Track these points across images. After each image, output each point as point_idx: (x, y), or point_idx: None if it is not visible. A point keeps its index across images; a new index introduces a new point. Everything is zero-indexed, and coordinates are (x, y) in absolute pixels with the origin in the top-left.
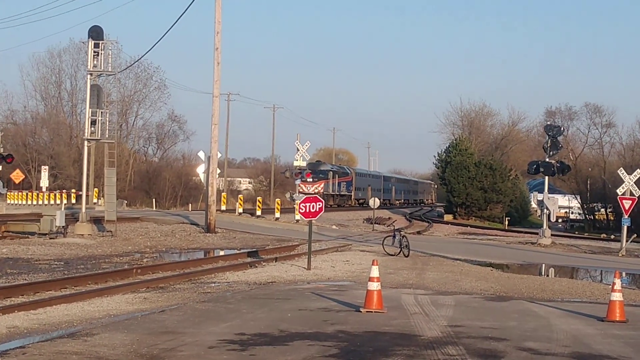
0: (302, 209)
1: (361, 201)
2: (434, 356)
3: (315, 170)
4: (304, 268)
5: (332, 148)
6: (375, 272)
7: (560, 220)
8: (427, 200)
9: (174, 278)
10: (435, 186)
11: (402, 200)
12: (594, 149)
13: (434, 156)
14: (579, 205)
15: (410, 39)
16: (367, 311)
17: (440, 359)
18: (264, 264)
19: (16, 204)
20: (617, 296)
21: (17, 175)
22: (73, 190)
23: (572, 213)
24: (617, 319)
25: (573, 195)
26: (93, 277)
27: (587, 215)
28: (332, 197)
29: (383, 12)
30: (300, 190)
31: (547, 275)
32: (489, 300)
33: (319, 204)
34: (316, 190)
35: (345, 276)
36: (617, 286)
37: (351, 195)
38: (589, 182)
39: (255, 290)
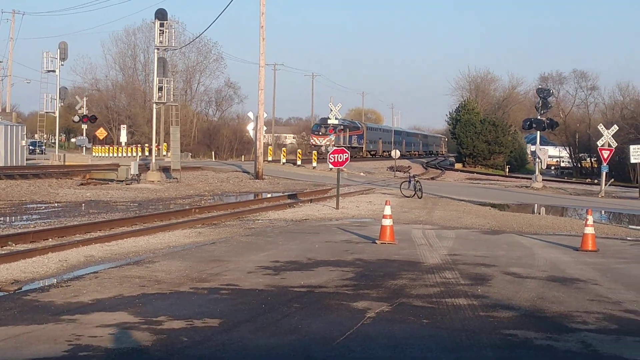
0: (331, 159)
1: (372, 152)
2: (433, 279)
3: (326, 124)
4: (334, 208)
5: (361, 108)
6: (387, 210)
7: (552, 167)
8: (437, 151)
9: (225, 216)
10: (446, 139)
11: (412, 152)
12: (580, 108)
13: (446, 115)
14: (569, 155)
15: (428, 15)
16: (381, 243)
17: (438, 281)
18: (300, 204)
19: (100, 156)
20: (589, 230)
21: (101, 133)
22: (146, 145)
23: (563, 161)
24: (590, 249)
25: (563, 147)
26: (158, 215)
27: (575, 164)
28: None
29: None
30: (313, 142)
31: (539, 213)
32: (484, 233)
33: (345, 155)
34: (327, 143)
35: (367, 214)
36: (590, 221)
37: (362, 147)
38: (577, 135)
39: (291, 226)
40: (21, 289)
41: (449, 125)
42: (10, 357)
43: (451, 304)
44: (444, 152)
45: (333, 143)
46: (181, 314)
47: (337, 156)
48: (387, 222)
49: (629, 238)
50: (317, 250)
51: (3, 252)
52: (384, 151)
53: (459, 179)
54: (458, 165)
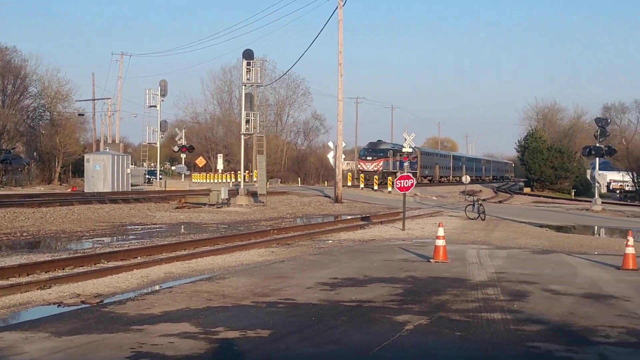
0: (397, 184)
1: (428, 178)
2: (474, 295)
3: (374, 149)
4: (400, 229)
5: (437, 137)
6: (441, 232)
7: (617, 191)
8: (504, 176)
9: (300, 237)
10: (513, 165)
11: (474, 177)
12: None
13: (515, 143)
14: (631, 180)
15: (498, 48)
16: (435, 262)
17: (479, 297)
18: (371, 226)
19: (199, 182)
20: (630, 250)
21: (200, 161)
22: (239, 172)
23: (627, 186)
24: (630, 268)
25: (627, 172)
26: (239, 236)
27: (637, 187)
28: (394, 174)
29: (475, 36)
30: (360, 168)
31: (593, 234)
32: (535, 253)
33: (411, 181)
34: (375, 169)
35: (430, 235)
36: (630, 242)
37: (416, 172)
38: None
39: (357, 245)
40: (102, 301)
41: (518, 152)
42: None
43: (486, 318)
44: (510, 177)
45: (381, 169)
46: (238, 325)
47: (403, 182)
48: (440, 242)
49: None
50: (375, 268)
51: (93, 269)
52: (441, 177)
53: (525, 203)
54: (526, 190)
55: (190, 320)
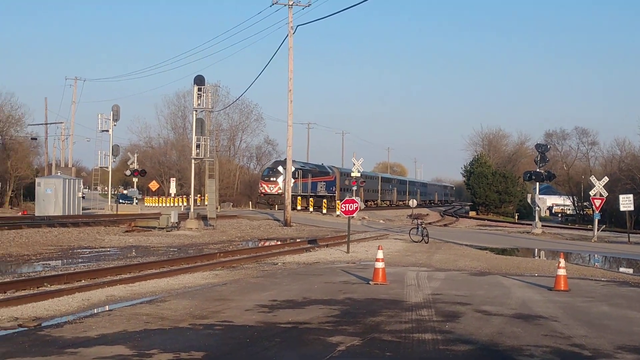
0: (342, 208)
1: None
2: (409, 316)
3: (275, 169)
4: (345, 252)
5: (387, 162)
6: (380, 254)
7: (559, 214)
8: (446, 200)
9: (245, 260)
10: (454, 188)
11: (406, 200)
12: (582, 161)
13: (461, 167)
14: (572, 204)
15: (443, 82)
16: (374, 283)
17: (413, 318)
18: (317, 249)
19: (151, 206)
20: (561, 272)
21: (153, 185)
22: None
23: (569, 209)
24: (562, 289)
25: (567, 196)
26: (186, 259)
27: (578, 211)
28: (304, 197)
29: (423, 64)
30: (262, 190)
31: (532, 257)
32: (472, 275)
33: (355, 205)
34: (277, 192)
35: (373, 258)
36: (562, 264)
37: (334, 195)
38: (582, 186)
39: (300, 268)
40: (40, 325)
41: (464, 176)
42: None
43: (417, 339)
44: (450, 201)
45: (280, 190)
46: (172, 348)
47: (348, 206)
48: (379, 264)
49: (603, 279)
50: (315, 290)
51: (34, 292)
52: (367, 200)
53: (470, 226)
54: (472, 213)
55: (125, 343)
